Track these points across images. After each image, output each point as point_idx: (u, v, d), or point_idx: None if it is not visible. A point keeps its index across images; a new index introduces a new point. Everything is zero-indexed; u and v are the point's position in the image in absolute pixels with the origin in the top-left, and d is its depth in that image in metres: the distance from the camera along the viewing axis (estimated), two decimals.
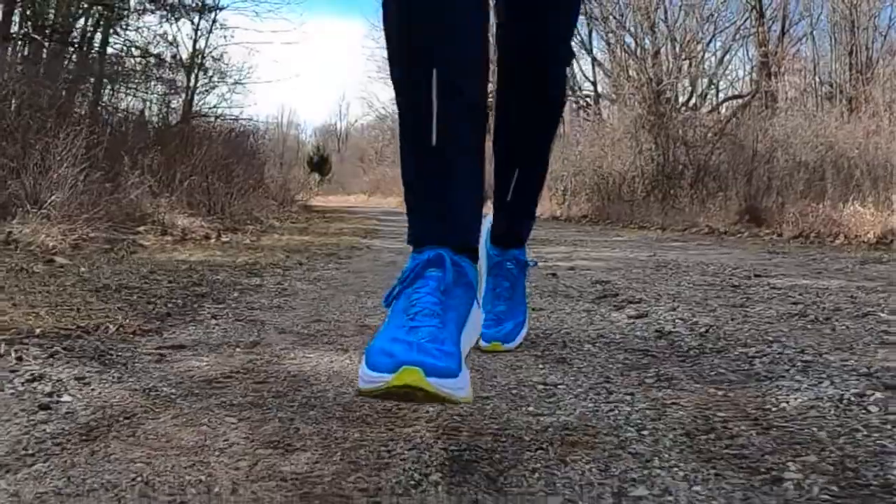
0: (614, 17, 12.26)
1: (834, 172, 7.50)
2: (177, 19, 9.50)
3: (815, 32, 11.46)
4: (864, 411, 1.10)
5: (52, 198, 4.18)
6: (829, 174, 7.52)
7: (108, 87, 8.55)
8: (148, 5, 9.08)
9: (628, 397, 1.18)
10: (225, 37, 10.04)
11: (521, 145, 1.48)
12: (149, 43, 9.11)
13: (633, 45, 12.01)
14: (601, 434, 1.00)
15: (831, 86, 10.82)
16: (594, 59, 13.33)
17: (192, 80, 9.89)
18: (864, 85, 9.64)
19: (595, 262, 3.81)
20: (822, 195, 7.12)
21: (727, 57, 12.40)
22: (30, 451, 0.91)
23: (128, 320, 1.79)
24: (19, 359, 1.38)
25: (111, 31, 8.74)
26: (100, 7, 8.34)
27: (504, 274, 1.55)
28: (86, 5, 8.33)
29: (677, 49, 11.81)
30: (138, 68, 9.24)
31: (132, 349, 1.52)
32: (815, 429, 1.02)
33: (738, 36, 12.14)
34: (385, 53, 1.06)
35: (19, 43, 7.43)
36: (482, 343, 1.47)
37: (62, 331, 1.64)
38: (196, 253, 3.78)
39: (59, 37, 7.86)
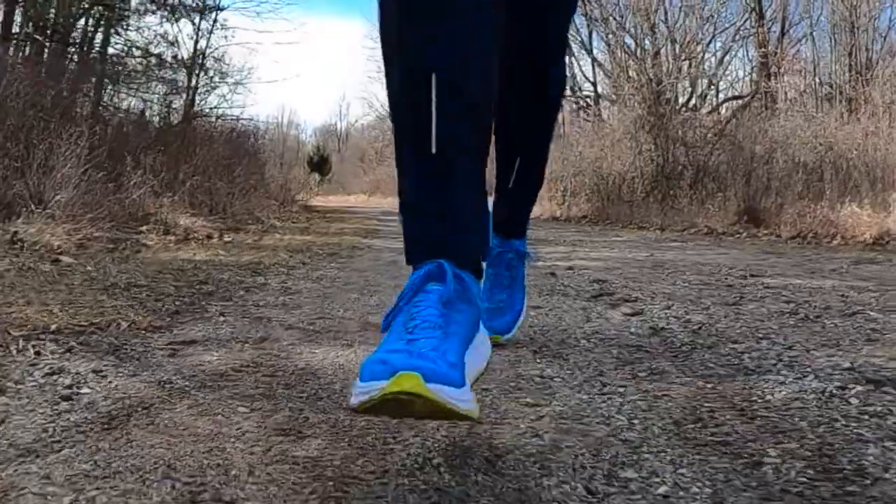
0: (614, 19, 12.33)
1: (832, 173, 7.56)
2: (177, 19, 9.55)
3: (814, 33, 11.53)
4: (844, 403, 1.15)
5: (57, 197, 4.23)
6: (827, 175, 7.58)
7: (110, 87, 8.59)
8: (149, 6, 9.13)
9: (621, 389, 1.24)
10: (226, 37, 10.09)
11: (521, 142, 1.54)
12: (150, 43, 9.16)
13: (633, 46, 12.08)
14: (594, 423, 1.06)
15: (831, 87, 10.88)
16: (594, 60, 13.41)
17: (193, 81, 9.93)
18: (863, 86, 9.69)
19: (593, 261, 3.87)
20: (821, 196, 7.18)
21: (727, 58, 12.48)
22: (56, 438, 0.97)
23: (139, 317, 1.85)
24: (37, 353, 1.44)
25: (112, 31, 8.80)
26: (100, 7, 8.40)
27: (505, 263, 1.60)
28: (86, 5, 8.38)
29: (677, 50, 11.87)
30: (139, 68, 9.28)
31: (145, 344, 1.58)
32: (797, 419, 1.07)
33: (737, 37, 12.21)
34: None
35: (21, 43, 7.49)
36: None
37: (76, 327, 1.69)
38: (200, 252, 3.84)
39: (59, 37, 7.91)
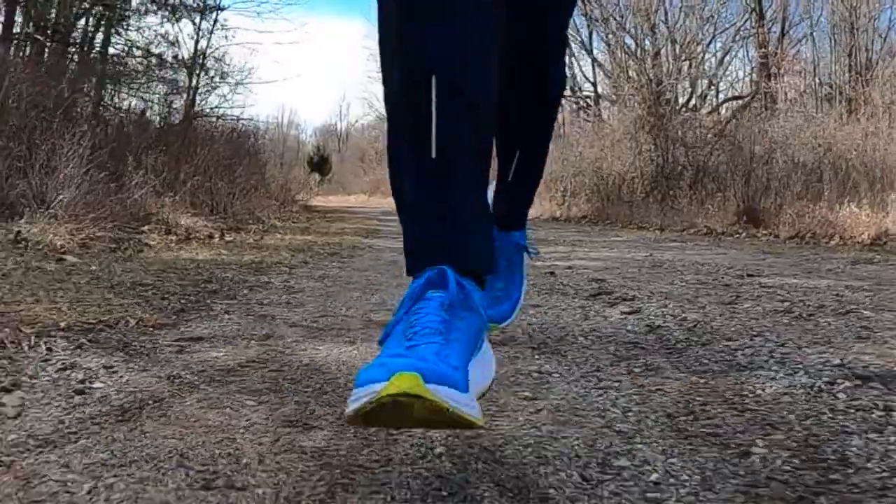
0: (614, 19, 12.36)
1: (832, 174, 7.60)
2: (178, 19, 9.58)
3: (814, 34, 11.57)
4: (832, 398, 1.19)
5: (59, 197, 4.28)
6: (826, 175, 7.62)
7: (110, 87, 8.63)
8: (149, 5, 9.16)
9: (616, 384, 1.28)
10: (226, 37, 10.12)
11: (521, 141, 1.58)
12: (150, 43, 9.19)
13: (633, 47, 12.12)
14: (590, 415, 1.10)
15: (831, 87, 10.92)
16: (594, 60, 13.44)
17: (194, 81, 9.97)
18: (863, 86, 9.73)
19: (593, 261, 3.91)
20: (820, 196, 7.22)
21: (727, 58, 12.51)
22: (73, 430, 1.01)
23: (146, 315, 1.89)
24: (49, 350, 1.48)
25: (113, 31, 8.83)
26: (101, 7, 8.43)
27: (504, 254, 1.63)
28: (87, 5, 8.42)
29: (677, 50, 11.91)
30: (140, 68, 9.32)
31: (153, 341, 1.62)
32: (785, 412, 1.11)
33: (737, 37, 12.24)
34: None
35: (21, 43, 7.53)
36: None
37: (85, 324, 1.73)
38: (202, 252, 3.88)
39: (60, 37, 7.95)
